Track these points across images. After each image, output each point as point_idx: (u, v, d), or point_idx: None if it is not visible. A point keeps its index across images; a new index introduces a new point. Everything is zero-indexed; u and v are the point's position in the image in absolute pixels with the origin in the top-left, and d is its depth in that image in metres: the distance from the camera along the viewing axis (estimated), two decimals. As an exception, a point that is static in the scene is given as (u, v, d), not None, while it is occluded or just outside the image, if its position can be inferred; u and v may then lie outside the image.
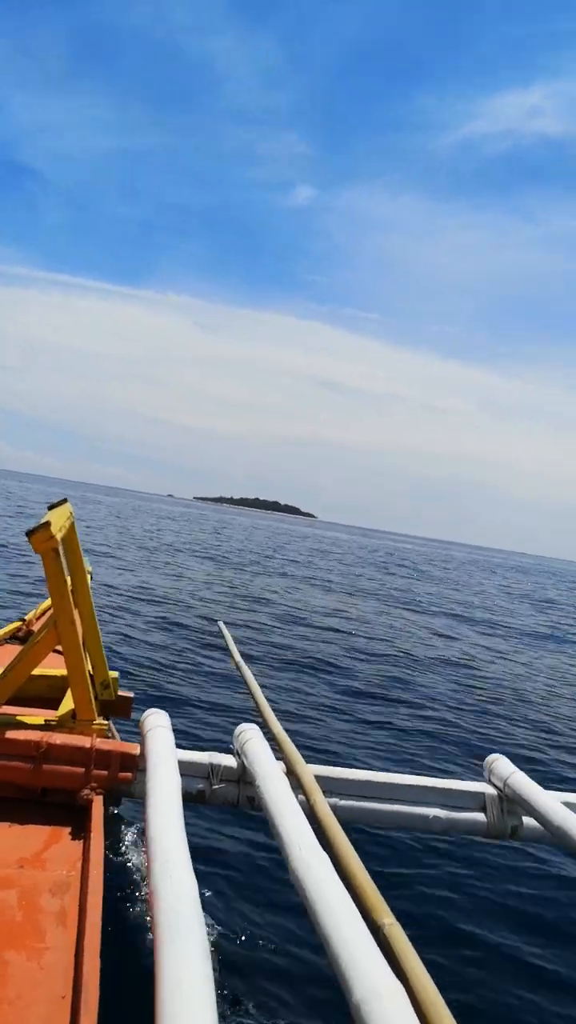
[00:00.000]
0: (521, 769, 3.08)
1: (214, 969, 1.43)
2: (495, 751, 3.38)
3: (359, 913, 1.64)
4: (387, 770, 3.34)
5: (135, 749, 2.78)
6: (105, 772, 2.69)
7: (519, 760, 3.26)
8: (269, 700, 3.40)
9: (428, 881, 4.51)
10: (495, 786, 3.09)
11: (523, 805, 2.92)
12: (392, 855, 4.69)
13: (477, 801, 3.05)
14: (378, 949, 1.49)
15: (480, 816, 3.03)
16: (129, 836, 3.82)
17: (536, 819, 2.85)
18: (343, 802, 2.87)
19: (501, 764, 3.14)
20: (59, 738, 2.72)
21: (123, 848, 3.75)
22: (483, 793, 3.06)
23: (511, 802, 3.01)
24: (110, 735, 3.16)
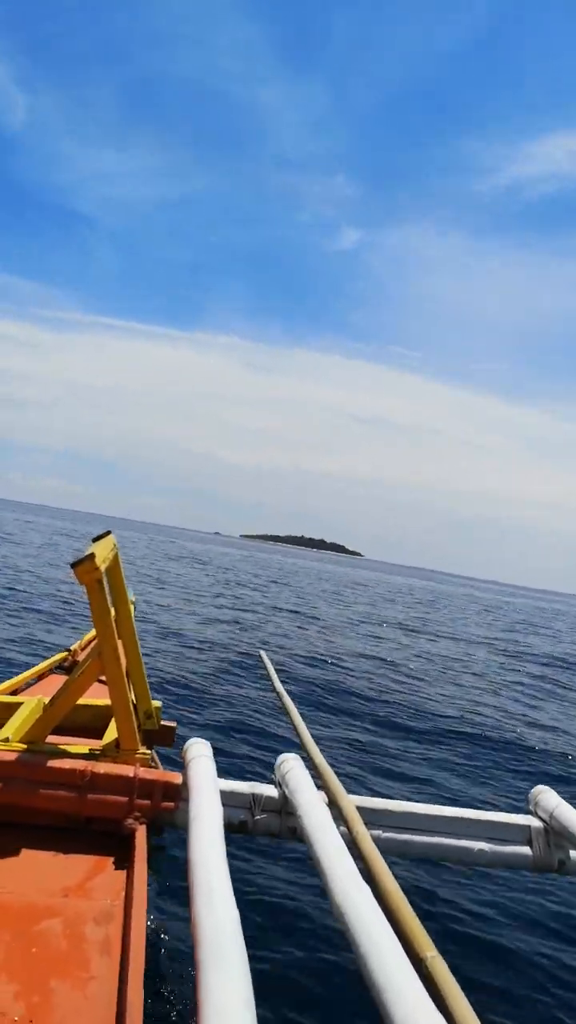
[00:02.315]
0: (568, 801, 3.02)
1: (256, 999, 1.43)
2: (540, 783, 3.32)
3: (401, 945, 1.63)
4: (430, 802, 3.30)
5: (177, 779, 2.80)
6: (148, 802, 2.71)
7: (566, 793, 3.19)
8: (311, 730, 3.40)
9: (471, 914, 4.41)
10: (541, 818, 3.03)
11: (570, 838, 2.86)
12: (435, 888, 4.60)
13: (523, 834, 3.00)
14: (420, 982, 1.48)
15: (526, 849, 2.97)
16: (172, 865, 3.83)
17: (584, 852, 2.79)
18: (385, 834, 2.84)
19: (547, 796, 3.08)
20: (103, 767, 2.76)
21: (166, 877, 3.76)
22: (528, 826, 3.01)
23: (558, 835, 2.95)
24: (153, 764, 3.19)
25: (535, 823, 3.02)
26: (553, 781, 7.38)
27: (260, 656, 5.36)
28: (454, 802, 6.22)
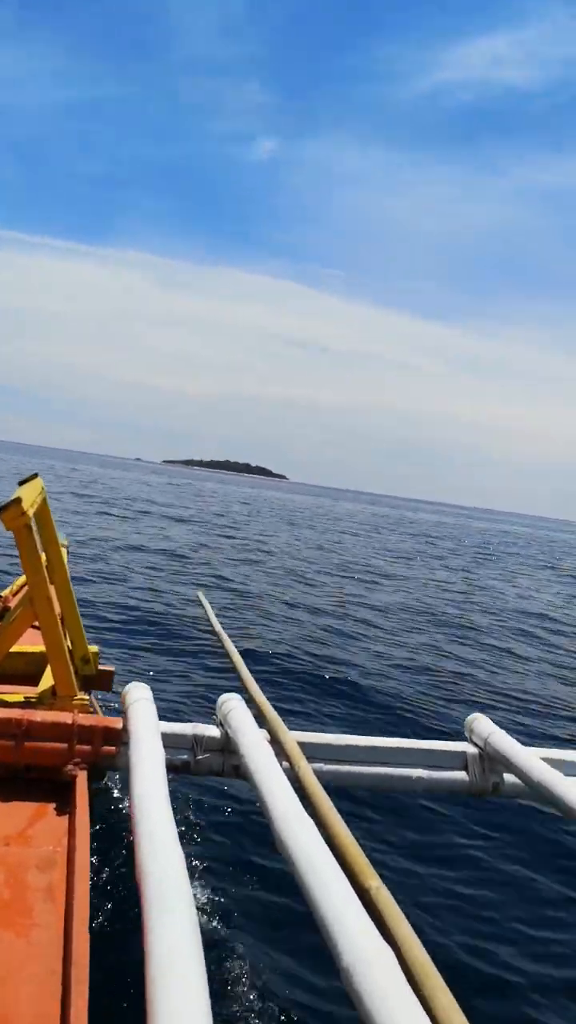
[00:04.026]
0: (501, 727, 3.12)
1: (203, 939, 1.43)
2: (476, 711, 3.42)
3: (346, 877, 1.65)
4: (369, 734, 3.37)
5: (118, 723, 2.76)
6: (88, 747, 2.68)
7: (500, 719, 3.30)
8: (251, 669, 3.40)
9: (413, 842, 4.58)
10: (476, 745, 3.13)
11: (503, 762, 2.96)
12: (377, 818, 4.76)
13: (459, 760, 3.09)
14: (366, 913, 1.50)
15: (462, 775, 3.06)
16: (114, 810, 3.83)
17: (516, 775, 2.89)
18: (326, 767, 2.88)
19: (481, 723, 3.17)
20: (40, 715, 2.71)
21: (109, 822, 3.76)
22: (464, 752, 3.10)
23: (492, 760, 3.05)
24: (92, 710, 3.15)
25: (471, 749, 3.11)
26: (486, 708, 7.68)
27: (197, 596, 5.33)
28: (393, 733, 6.40)
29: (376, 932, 1.42)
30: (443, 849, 4.55)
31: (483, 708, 6.70)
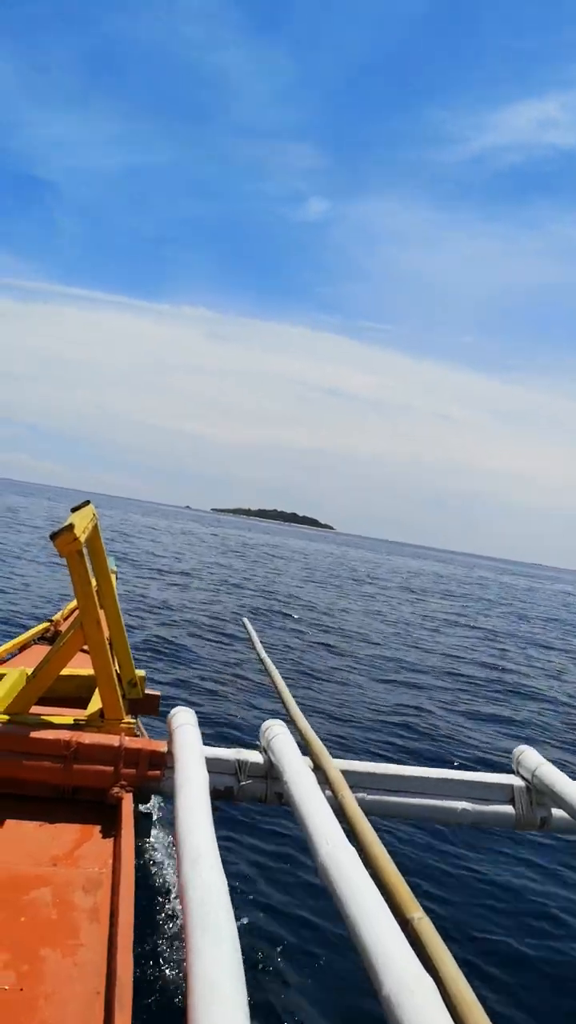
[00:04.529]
0: (549, 760, 3.06)
1: (244, 963, 1.44)
2: (523, 743, 3.36)
3: (388, 907, 1.64)
4: (414, 764, 3.34)
5: (163, 747, 2.80)
6: (134, 770, 2.72)
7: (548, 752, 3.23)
8: (295, 696, 3.41)
9: (457, 874, 4.49)
10: (523, 778, 3.07)
11: (552, 796, 2.90)
12: (420, 849, 4.68)
13: (505, 793, 3.03)
14: (407, 943, 1.49)
15: (508, 808, 3.01)
16: (159, 833, 3.86)
17: (565, 810, 2.82)
18: (370, 796, 2.86)
19: (529, 755, 3.11)
20: (88, 737, 2.76)
21: (153, 845, 3.79)
22: (511, 785, 3.05)
23: (540, 793, 2.99)
24: (138, 733, 3.19)
25: (517, 782, 3.06)
26: (534, 741, 7.51)
27: (243, 623, 5.36)
28: (439, 764, 6.31)
29: (417, 962, 1.42)
30: (487, 884, 4.45)
31: (531, 741, 6.55)
